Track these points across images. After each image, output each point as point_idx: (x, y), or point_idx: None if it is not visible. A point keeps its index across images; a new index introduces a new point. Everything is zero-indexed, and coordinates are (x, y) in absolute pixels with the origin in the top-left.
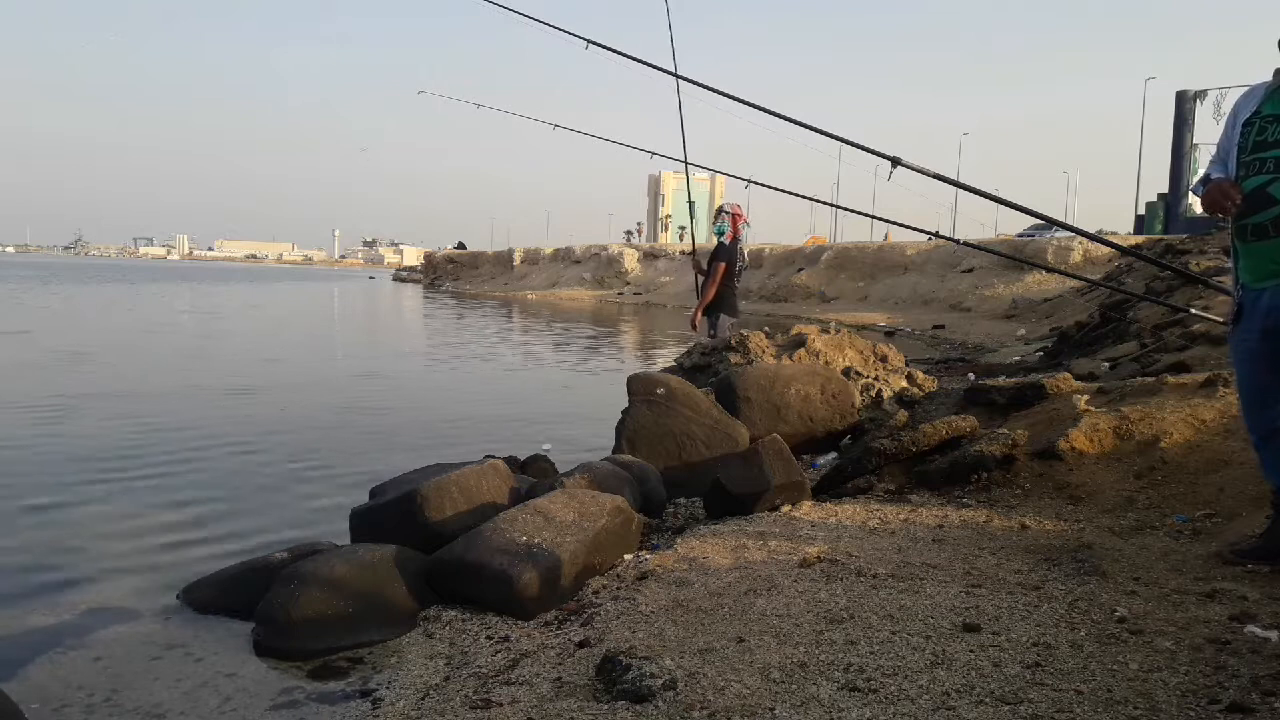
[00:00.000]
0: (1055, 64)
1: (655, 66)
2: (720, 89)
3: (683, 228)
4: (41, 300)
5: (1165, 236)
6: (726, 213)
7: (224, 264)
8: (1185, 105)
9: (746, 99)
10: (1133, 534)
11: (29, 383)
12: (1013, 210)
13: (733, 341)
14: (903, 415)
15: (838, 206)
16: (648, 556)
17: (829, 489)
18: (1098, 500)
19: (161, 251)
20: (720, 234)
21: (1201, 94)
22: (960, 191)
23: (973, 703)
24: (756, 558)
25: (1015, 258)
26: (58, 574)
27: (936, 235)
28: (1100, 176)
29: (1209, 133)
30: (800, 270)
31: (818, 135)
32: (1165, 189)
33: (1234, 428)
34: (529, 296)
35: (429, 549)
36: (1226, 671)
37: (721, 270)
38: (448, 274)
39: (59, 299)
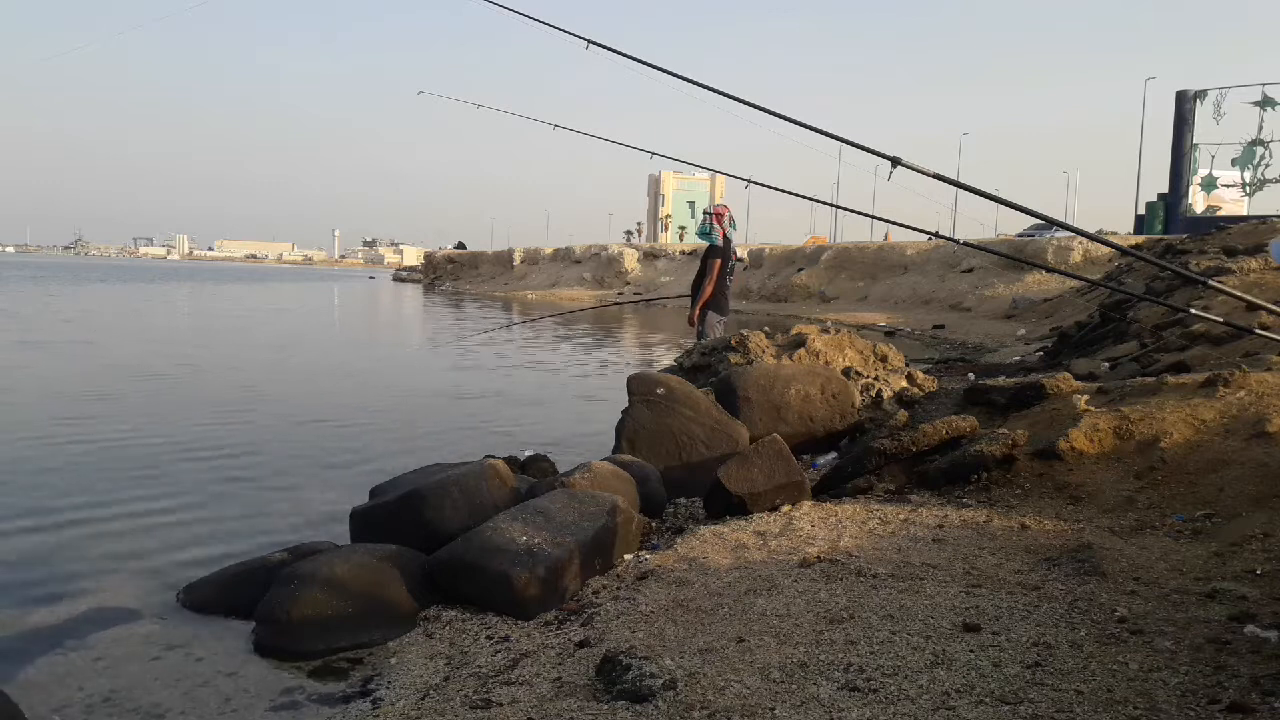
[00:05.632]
0: (1055, 64)
1: (655, 66)
2: (720, 89)
3: (683, 228)
4: (57, 304)
5: (1165, 236)
6: (709, 214)
7: (224, 264)
8: (1185, 105)
9: (746, 99)
10: (1133, 534)
11: (46, 386)
12: (1013, 210)
13: (733, 341)
14: (903, 415)
15: (838, 206)
16: (648, 556)
17: (829, 489)
18: (1098, 500)
19: (161, 251)
20: (704, 235)
21: (1201, 94)
22: (960, 191)
23: (973, 703)
24: (756, 558)
25: (1015, 258)
26: (58, 574)
27: (936, 235)
28: (1100, 177)
29: (1209, 133)
30: (800, 270)
31: (818, 135)
32: (1165, 189)
33: (1234, 428)
34: (529, 296)
35: (429, 549)
36: (1226, 671)
37: (717, 268)
38: (448, 274)
39: (70, 301)
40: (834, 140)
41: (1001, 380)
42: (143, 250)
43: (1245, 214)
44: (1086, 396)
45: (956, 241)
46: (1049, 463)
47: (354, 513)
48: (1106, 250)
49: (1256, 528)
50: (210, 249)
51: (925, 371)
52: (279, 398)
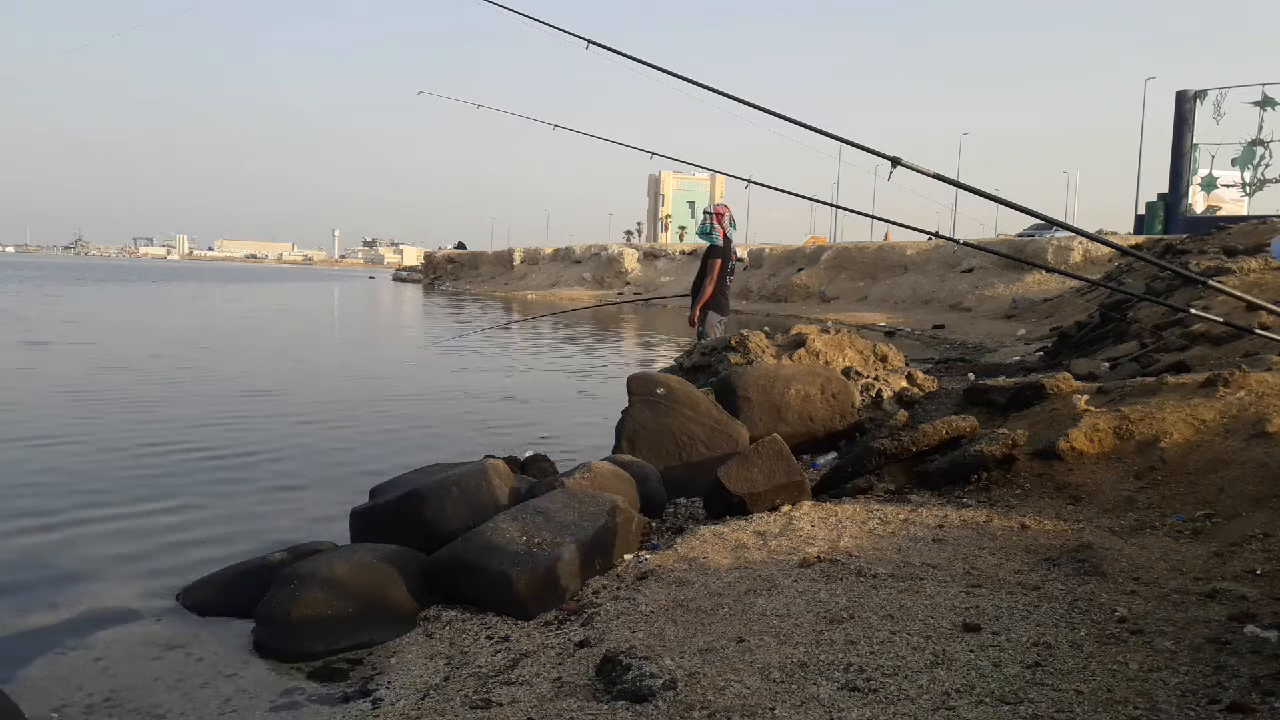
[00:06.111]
0: (1055, 64)
1: (655, 66)
2: (721, 89)
3: (683, 228)
4: (57, 305)
5: (1165, 236)
6: (709, 214)
7: (224, 264)
8: (1185, 105)
9: (747, 99)
10: (1133, 534)
11: (46, 385)
12: (1013, 210)
13: (733, 341)
14: (903, 415)
15: (838, 206)
16: (648, 556)
17: (829, 489)
18: (1098, 500)
19: (161, 252)
20: (705, 235)
21: (1201, 94)
22: (960, 191)
23: (973, 703)
24: (756, 558)
25: (1015, 258)
26: (58, 574)
27: (936, 235)
28: (1100, 177)
29: (1209, 133)
30: (800, 270)
31: (818, 135)
32: (1165, 189)
33: (1234, 428)
34: (529, 296)
35: (429, 549)
36: (1226, 671)
37: (718, 268)
38: (448, 274)
39: (71, 302)
40: (834, 140)
41: (1001, 380)
42: (143, 250)
43: (1245, 214)
44: (1086, 396)
45: (956, 241)
46: (1049, 463)
47: (354, 513)
48: (1106, 250)
49: (1256, 528)
50: (210, 249)
51: (925, 371)
52: (279, 398)
